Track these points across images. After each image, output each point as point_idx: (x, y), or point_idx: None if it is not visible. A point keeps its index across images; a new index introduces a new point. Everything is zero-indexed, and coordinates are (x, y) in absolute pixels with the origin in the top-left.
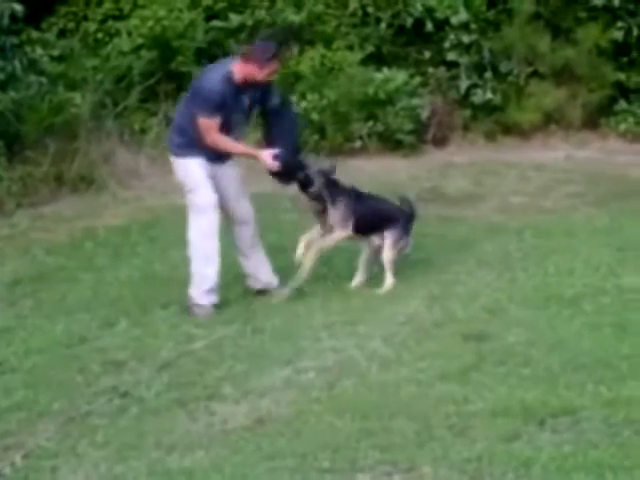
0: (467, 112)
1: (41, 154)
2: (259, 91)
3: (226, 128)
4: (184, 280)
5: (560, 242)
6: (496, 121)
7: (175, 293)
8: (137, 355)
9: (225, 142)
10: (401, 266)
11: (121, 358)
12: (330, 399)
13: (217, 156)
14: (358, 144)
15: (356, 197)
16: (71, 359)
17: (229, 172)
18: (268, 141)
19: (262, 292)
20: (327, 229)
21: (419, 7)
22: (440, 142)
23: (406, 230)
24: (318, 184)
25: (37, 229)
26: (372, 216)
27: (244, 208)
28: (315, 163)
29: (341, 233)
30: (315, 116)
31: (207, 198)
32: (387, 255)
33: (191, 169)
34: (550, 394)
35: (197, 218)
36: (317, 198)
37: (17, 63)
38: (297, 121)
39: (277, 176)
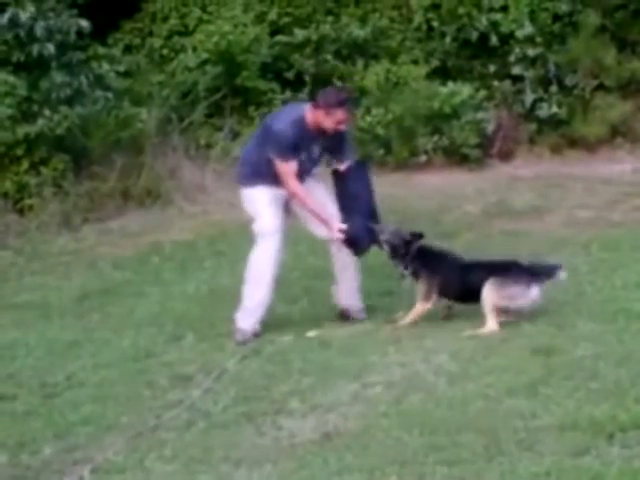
0: (532, 126)
1: (107, 169)
2: (331, 142)
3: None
4: None
5: (627, 256)
6: (562, 134)
7: None
8: (204, 369)
9: (304, 195)
10: None
11: (188, 372)
12: (397, 414)
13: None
14: (423, 158)
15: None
16: (138, 373)
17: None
18: (341, 204)
19: (344, 315)
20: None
21: (484, 21)
22: (505, 156)
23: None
24: (399, 251)
25: (104, 244)
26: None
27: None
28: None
29: (420, 309)
30: (380, 130)
31: (267, 225)
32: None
33: (255, 197)
34: (619, 408)
35: (259, 243)
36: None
37: (83, 79)
38: (372, 184)
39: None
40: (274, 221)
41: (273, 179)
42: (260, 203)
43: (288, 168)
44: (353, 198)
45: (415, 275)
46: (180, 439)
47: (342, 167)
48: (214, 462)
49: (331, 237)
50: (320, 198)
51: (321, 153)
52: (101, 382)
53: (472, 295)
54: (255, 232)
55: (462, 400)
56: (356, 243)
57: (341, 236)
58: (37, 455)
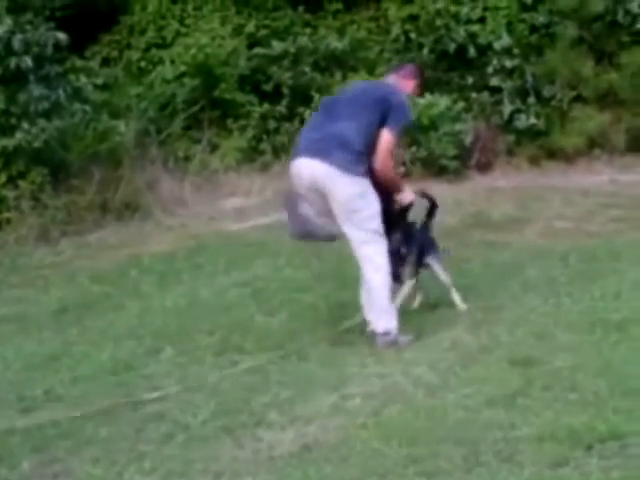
0: (511, 137)
1: (86, 182)
2: None
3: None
4: (229, 307)
5: (606, 266)
6: (540, 146)
7: (220, 320)
8: (183, 382)
9: (394, 173)
10: (445, 292)
11: (167, 385)
12: (377, 425)
13: None
14: (402, 170)
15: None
16: (117, 386)
17: None
18: None
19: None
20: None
21: (462, 32)
22: (484, 167)
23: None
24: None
25: (82, 257)
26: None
27: None
28: None
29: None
30: None
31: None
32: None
33: (372, 193)
34: (597, 419)
35: (376, 241)
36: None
37: (61, 92)
38: None
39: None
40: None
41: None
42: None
43: (395, 145)
44: None
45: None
46: (159, 452)
47: None
48: (193, 475)
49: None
50: None
51: None
52: (80, 396)
53: None
54: (372, 230)
55: (441, 411)
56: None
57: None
58: (16, 469)
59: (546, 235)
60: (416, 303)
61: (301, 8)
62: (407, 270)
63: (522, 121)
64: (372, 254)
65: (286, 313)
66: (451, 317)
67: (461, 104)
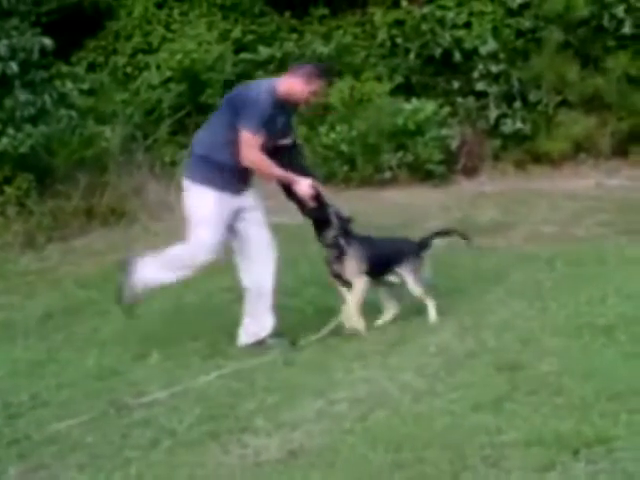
0: (497, 142)
1: (71, 188)
2: (287, 117)
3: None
4: (215, 311)
5: (591, 271)
6: (526, 150)
7: (206, 324)
8: (169, 388)
9: (264, 163)
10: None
11: (153, 391)
12: (363, 431)
13: (239, 187)
14: (388, 175)
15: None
16: (103, 392)
17: (250, 203)
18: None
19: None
20: (341, 280)
21: (447, 37)
22: (470, 172)
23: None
24: (336, 231)
25: (68, 263)
26: (385, 257)
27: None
28: (334, 208)
29: (360, 285)
30: (345, 147)
31: (213, 239)
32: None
33: (205, 201)
34: (584, 423)
35: (196, 251)
36: (334, 246)
37: (47, 97)
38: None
39: (308, 211)
40: (218, 238)
41: (231, 178)
42: (209, 209)
43: (254, 140)
44: (299, 169)
45: (342, 252)
46: (145, 458)
47: (285, 142)
48: None
49: (302, 193)
50: None
51: (281, 127)
52: (65, 401)
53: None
54: (197, 235)
55: (427, 416)
56: (320, 203)
57: (312, 191)
58: (2, 476)
59: (532, 239)
60: (383, 319)
61: (287, 14)
62: (350, 268)
63: (508, 126)
64: None
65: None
66: (437, 322)
67: (447, 109)
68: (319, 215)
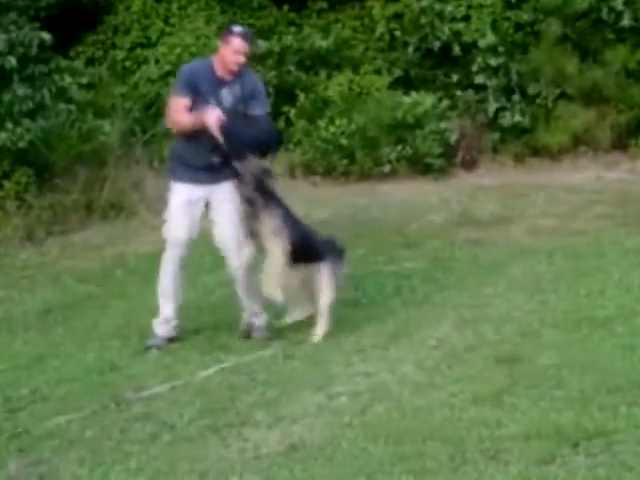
0: (496, 135)
1: (71, 182)
2: (243, 92)
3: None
4: (215, 306)
5: (591, 264)
6: (525, 143)
7: (205, 319)
8: (169, 382)
9: (178, 116)
10: (431, 290)
11: (153, 385)
12: (363, 424)
13: (209, 176)
14: (387, 168)
15: (292, 218)
16: (103, 387)
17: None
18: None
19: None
20: (257, 240)
21: (446, 31)
22: (469, 165)
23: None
24: (251, 185)
25: (67, 257)
26: (306, 244)
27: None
28: (253, 161)
29: (279, 247)
30: (344, 141)
31: (175, 234)
32: (324, 297)
33: (174, 195)
34: (583, 416)
35: (166, 249)
36: (249, 202)
37: (46, 92)
38: (270, 136)
39: (218, 150)
40: (182, 231)
41: (187, 166)
42: (175, 204)
43: (178, 103)
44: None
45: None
46: (145, 452)
47: (254, 112)
48: (180, 475)
49: (210, 123)
50: None
51: (235, 102)
52: (65, 396)
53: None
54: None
55: (427, 409)
56: (230, 139)
57: (216, 121)
58: (2, 470)
59: (531, 233)
60: (291, 317)
61: (286, 7)
62: (268, 226)
63: (507, 119)
64: None
65: (271, 312)
66: (437, 315)
67: (446, 102)
68: (232, 154)
